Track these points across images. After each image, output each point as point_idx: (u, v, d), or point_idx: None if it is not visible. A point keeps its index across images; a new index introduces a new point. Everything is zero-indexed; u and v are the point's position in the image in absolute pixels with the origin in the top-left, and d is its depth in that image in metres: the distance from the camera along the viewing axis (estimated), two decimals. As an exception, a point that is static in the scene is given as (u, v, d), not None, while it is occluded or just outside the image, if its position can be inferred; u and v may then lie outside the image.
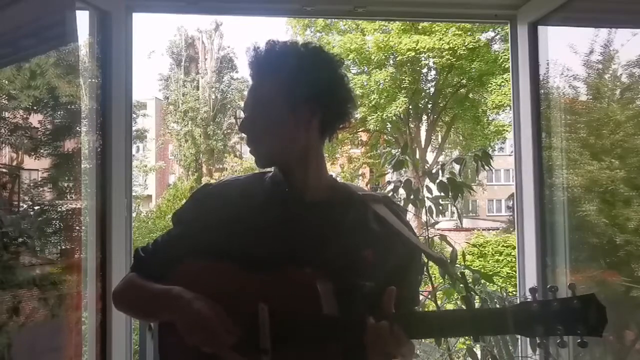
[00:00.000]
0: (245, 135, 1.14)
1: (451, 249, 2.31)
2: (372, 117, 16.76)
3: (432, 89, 18.11)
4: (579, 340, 0.91)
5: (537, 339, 0.92)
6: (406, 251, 1.11)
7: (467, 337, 2.74)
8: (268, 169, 1.19)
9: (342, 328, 0.98)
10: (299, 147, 1.11)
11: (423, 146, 18.27)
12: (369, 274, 1.05)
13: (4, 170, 2.36)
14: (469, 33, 15.68)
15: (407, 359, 0.99)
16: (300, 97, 1.07)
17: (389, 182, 2.41)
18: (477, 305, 2.47)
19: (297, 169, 1.12)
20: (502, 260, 12.05)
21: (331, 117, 1.12)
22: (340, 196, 1.13)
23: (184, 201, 1.25)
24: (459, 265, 2.27)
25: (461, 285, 2.11)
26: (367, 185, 17.75)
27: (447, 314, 1.20)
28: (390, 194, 2.34)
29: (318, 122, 1.10)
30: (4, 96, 2.36)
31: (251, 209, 1.10)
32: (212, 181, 1.37)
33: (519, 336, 2.45)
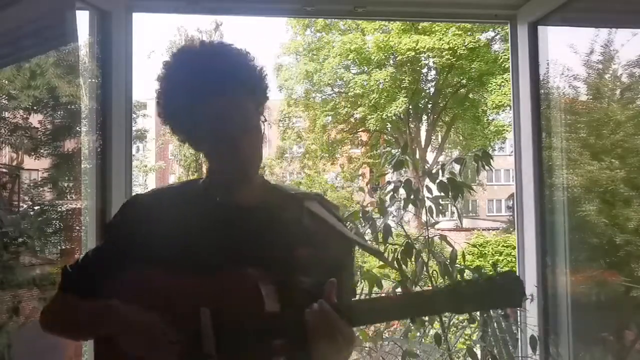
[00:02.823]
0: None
1: (451, 249, 2.31)
2: (372, 117, 16.77)
3: (432, 89, 18.12)
4: (502, 313, 0.97)
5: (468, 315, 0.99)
6: (342, 245, 1.13)
7: (467, 336, 2.74)
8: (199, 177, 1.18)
9: (285, 323, 0.99)
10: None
11: (423, 146, 18.27)
12: (308, 270, 1.05)
13: (4, 170, 2.36)
14: (469, 33, 15.69)
15: (349, 345, 1.00)
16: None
17: (389, 182, 2.40)
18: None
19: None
20: (502, 260, 12.05)
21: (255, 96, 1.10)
22: (274, 197, 1.13)
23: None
24: (458, 265, 2.26)
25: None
26: (367, 185, 17.75)
27: (386, 300, 1.25)
28: (390, 194, 2.34)
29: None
30: (4, 96, 2.36)
31: (185, 216, 1.08)
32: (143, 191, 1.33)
33: (518, 337, 2.45)
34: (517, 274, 2.35)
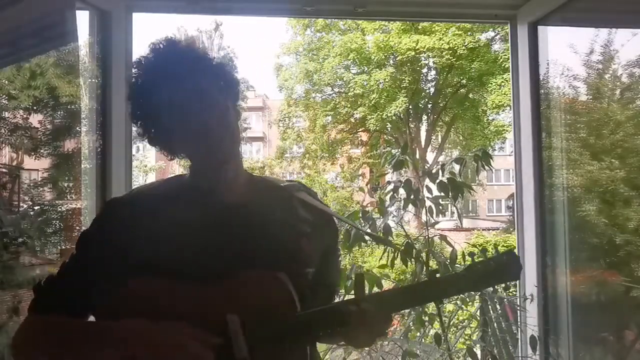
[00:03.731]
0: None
1: (451, 249, 2.31)
2: (372, 117, 16.76)
3: (432, 89, 18.12)
4: (503, 285, 1.07)
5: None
6: (333, 228, 1.20)
7: (467, 336, 2.74)
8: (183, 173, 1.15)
9: (323, 320, 1.00)
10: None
11: (423, 146, 18.27)
12: (311, 259, 1.10)
13: (4, 170, 2.36)
14: (469, 33, 15.69)
15: (386, 332, 1.07)
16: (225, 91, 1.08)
17: (388, 182, 2.40)
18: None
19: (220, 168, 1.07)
20: (502, 260, 12.05)
21: (227, 94, 1.10)
22: (265, 192, 1.13)
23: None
24: (459, 265, 2.26)
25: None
26: (367, 185, 17.75)
27: (413, 287, 1.33)
28: (390, 194, 2.34)
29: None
30: (4, 96, 2.36)
31: (176, 218, 1.01)
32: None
33: (518, 337, 2.45)
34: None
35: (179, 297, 0.96)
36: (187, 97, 1.00)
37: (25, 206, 2.46)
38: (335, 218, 1.22)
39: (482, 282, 1.11)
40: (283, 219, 1.09)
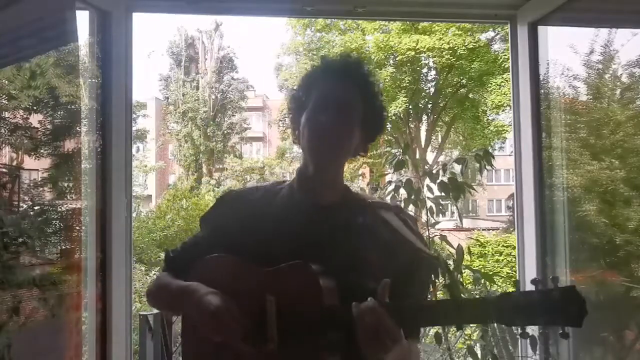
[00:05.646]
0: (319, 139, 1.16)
1: (452, 248, 2.31)
2: (372, 117, 16.74)
3: (432, 89, 18.11)
4: (560, 332, 0.92)
5: (520, 329, 0.96)
6: (412, 260, 1.17)
7: (467, 335, 2.74)
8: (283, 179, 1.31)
9: (339, 316, 1.03)
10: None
11: (423, 146, 18.27)
12: (372, 276, 1.09)
13: (4, 170, 2.36)
14: (469, 33, 15.68)
15: (394, 344, 1.00)
16: (366, 109, 1.17)
17: (389, 182, 2.40)
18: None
19: (326, 179, 1.20)
20: (502, 260, 12.04)
21: (370, 130, 1.22)
22: (351, 201, 1.22)
23: (210, 205, 1.37)
24: (463, 266, 2.26)
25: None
26: (367, 185, 17.75)
27: (434, 304, 1.29)
28: (391, 194, 2.34)
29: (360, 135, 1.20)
30: (4, 96, 2.36)
31: (270, 214, 1.19)
32: (236, 187, 1.43)
33: (519, 337, 2.45)
34: (518, 275, 2.35)
35: (241, 275, 1.13)
36: (335, 105, 1.14)
37: (25, 206, 2.45)
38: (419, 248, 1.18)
39: (521, 315, 0.93)
40: (356, 230, 1.17)
